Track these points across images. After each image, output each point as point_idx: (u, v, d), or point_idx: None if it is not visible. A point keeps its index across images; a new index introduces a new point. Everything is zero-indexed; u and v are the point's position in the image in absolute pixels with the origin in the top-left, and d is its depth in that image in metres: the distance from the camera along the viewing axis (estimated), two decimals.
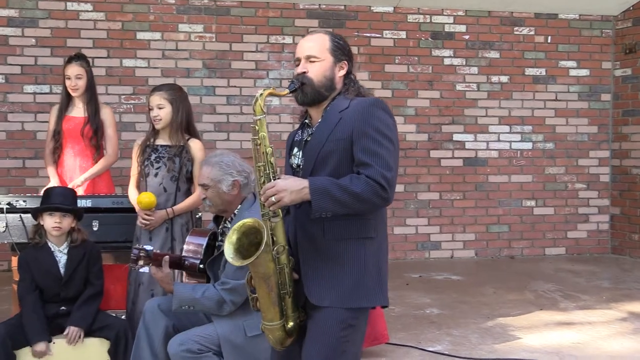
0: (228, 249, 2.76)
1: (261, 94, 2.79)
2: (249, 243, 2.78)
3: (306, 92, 2.89)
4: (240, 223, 2.80)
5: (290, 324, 2.89)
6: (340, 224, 2.81)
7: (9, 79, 7.70)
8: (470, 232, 8.89)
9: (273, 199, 2.69)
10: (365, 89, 3.00)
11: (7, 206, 4.90)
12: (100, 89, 7.12)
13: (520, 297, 6.78)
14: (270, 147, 2.78)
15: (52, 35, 7.77)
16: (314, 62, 2.90)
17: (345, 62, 2.96)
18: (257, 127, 2.78)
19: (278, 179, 2.76)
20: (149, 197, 4.68)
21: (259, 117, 2.78)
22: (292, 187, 2.70)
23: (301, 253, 2.88)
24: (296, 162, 2.97)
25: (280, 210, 2.77)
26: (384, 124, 2.80)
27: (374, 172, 2.70)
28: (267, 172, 2.78)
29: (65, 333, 4.33)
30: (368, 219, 2.84)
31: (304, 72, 2.89)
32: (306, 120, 3.03)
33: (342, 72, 2.96)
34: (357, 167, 2.75)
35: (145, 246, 4.06)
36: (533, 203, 9.04)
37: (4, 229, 4.81)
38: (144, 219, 4.70)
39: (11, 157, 7.69)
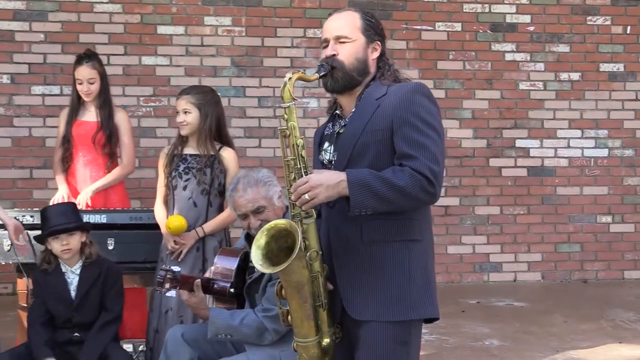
0: (256, 254, 2.75)
1: (290, 79, 2.79)
2: (279, 248, 2.78)
3: (337, 77, 2.89)
4: (270, 224, 2.79)
5: (326, 340, 2.87)
6: (381, 224, 2.80)
7: (15, 79, 7.80)
8: (536, 252, 8.78)
9: (307, 196, 2.68)
10: (402, 73, 3.00)
11: None
12: (116, 90, 7.23)
13: (595, 327, 6.68)
14: (301, 139, 2.78)
15: (62, 30, 7.86)
16: (344, 42, 2.91)
17: (379, 42, 2.97)
18: (285, 116, 2.78)
19: (310, 173, 2.75)
20: (178, 221, 4.70)
21: (287, 104, 2.78)
22: (328, 182, 2.69)
23: (336, 259, 2.86)
24: (327, 157, 2.97)
25: (313, 210, 2.76)
26: (428, 111, 2.80)
27: (419, 164, 2.69)
28: (298, 166, 2.77)
29: None
30: (412, 218, 2.84)
31: (334, 55, 2.89)
32: (337, 111, 3.03)
33: (376, 54, 2.97)
34: (400, 160, 2.75)
35: (172, 267, 4.09)
36: (609, 219, 8.92)
37: (9, 248, 4.86)
38: (173, 246, 4.73)
39: (17, 166, 7.78)
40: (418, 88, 2.85)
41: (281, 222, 2.78)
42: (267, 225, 2.80)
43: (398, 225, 2.81)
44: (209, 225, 4.80)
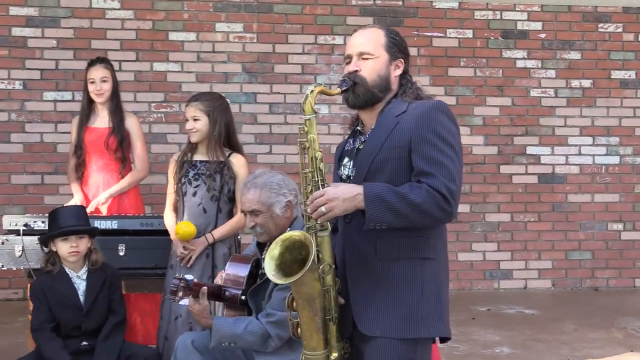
0: (269, 264, 2.77)
1: (312, 91, 2.82)
2: (292, 260, 2.80)
3: (358, 93, 2.91)
4: (285, 235, 2.82)
5: (334, 355, 2.89)
6: (395, 241, 2.81)
7: (27, 85, 7.83)
8: (547, 260, 8.76)
9: (323, 209, 2.69)
10: (424, 91, 3.02)
11: (24, 228, 4.97)
12: (128, 96, 7.26)
13: (606, 335, 6.66)
14: (320, 152, 2.80)
15: (75, 36, 7.88)
16: (367, 59, 2.93)
17: (402, 60, 2.99)
18: (305, 128, 2.80)
19: (327, 186, 2.76)
20: (187, 227, 4.70)
21: (308, 116, 2.80)
22: (344, 195, 2.70)
23: (350, 274, 2.88)
24: (346, 172, 3.00)
25: (328, 223, 2.76)
26: (447, 130, 2.81)
27: (436, 182, 2.70)
28: (316, 179, 2.79)
29: None
30: (427, 236, 2.85)
31: (356, 71, 2.91)
32: (358, 128, 3.04)
33: (398, 72, 2.98)
34: (417, 177, 2.76)
35: (185, 275, 4.07)
36: (621, 226, 8.88)
37: (20, 253, 4.87)
38: (182, 252, 4.73)
39: (28, 172, 7.80)
40: (438, 106, 2.86)
41: (296, 234, 2.80)
42: (281, 236, 2.83)
43: (413, 243, 2.82)
44: (219, 231, 4.81)
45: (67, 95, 7.80)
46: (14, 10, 7.80)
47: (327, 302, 2.82)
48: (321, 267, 2.78)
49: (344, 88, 2.88)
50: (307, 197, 2.79)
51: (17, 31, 7.80)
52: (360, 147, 2.96)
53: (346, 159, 3.02)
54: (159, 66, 8.04)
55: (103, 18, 7.94)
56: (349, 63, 2.96)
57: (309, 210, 2.75)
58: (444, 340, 2.95)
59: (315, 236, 2.77)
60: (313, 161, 2.79)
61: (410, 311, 2.80)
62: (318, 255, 2.77)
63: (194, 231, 4.71)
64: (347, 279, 2.89)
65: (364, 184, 2.74)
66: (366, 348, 2.85)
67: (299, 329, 2.91)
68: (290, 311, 2.91)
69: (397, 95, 2.96)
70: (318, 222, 2.75)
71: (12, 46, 7.79)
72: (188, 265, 4.72)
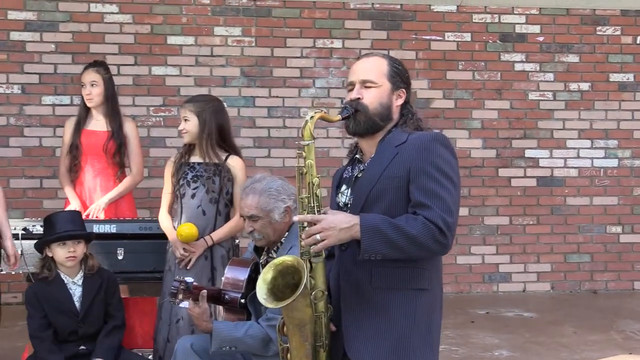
0: (261, 288, 2.76)
1: (312, 117, 2.81)
2: (285, 284, 2.79)
3: (359, 121, 2.92)
4: (279, 260, 2.81)
5: None
6: (391, 271, 2.82)
7: (25, 89, 7.83)
8: (546, 263, 8.77)
9: (318, 236, 2.69)
10: (424, 122, 3.04)
11: (23, 232, 4.98)
12: (127, 100, 7.27)
13: (605, 338, 6.66)
14: (317, 178, 2.80)
15: (73, 41, 7.90)
16: (369, 87, 2.94)
17: (404, 90, 3.00)
18: (304, 154, 2.79)
19: (324, 213, 2.75)
20: (190, 229, 4.70)
21: (307, 142, 2.79)
22: (341, 224, 2.71)
23: (343, 301, 2.89)
24: (343, 200, 3.00)
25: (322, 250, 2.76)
26: (446, 162, 2.82)
27: (433, 214, 2.71)
28: (312, 205, 2.79)
29: None
30: (422, 267, 2.86)
31: (359, 98, 2.91)
32: (357, 155, 3.05)
33: (400, 101, 3.00)
34: (414, 208, 2.76)
35: (185, 278, 4.07)
36: (619, 229, 8.89)
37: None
38: (182, 253, 4.72)
39: (27, 176, 7.80)
40: (437, 138, 2.87)
41: (289, 259, 2.80)
42: (274, 261, 2.82)
43: (408, 274, 2.83)
44: (217, 234, 4.81)
45: (66, 100, 7.80)
46: (12, 15, 7.81)
47: (318, 329, 2.82)
48: (313, 293, 2.78)
49: (345, 115, 2.89)
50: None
51: (15, 35, 7.81)
52: (358, 176, 2.97)
53: (344, 187, 3.03)
54: (157, 70, 8.05)
55: (101, 22, 7.95)
56: (351, 90, 2.98)
57: (303, 236, 2.75)
58: None
59: (308, 262, 2.77)
60: (310, 187, 2.79)
61: (401, 341, 2.82)
62: (311, 281, 2.77)
63: (196, 233, 4.72)
64: (341, 305, 2.89)
65: (361, 215, 2.74)
66: None
67: (288, 354, 2.92)
68: (281, 336, 2.92)
69: (398, 125, 2.97)
70: (312, 250, 2.74)
71: (10, 50, 7.80)
72: (187, 268, 4.73)
